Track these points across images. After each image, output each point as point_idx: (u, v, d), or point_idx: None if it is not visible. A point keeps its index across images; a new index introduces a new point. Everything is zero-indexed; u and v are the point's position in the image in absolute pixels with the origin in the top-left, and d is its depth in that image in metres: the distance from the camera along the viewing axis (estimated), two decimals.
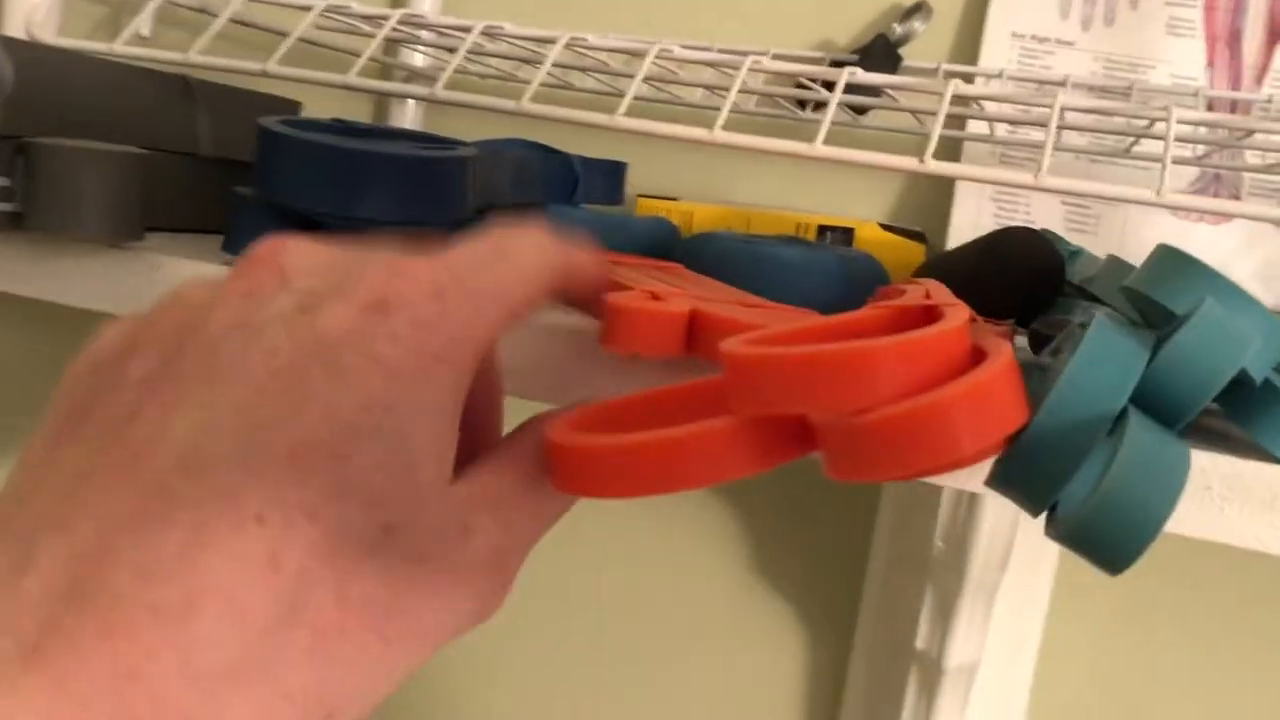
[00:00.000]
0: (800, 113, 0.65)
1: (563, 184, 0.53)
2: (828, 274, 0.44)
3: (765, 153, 0.41)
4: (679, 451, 0.26)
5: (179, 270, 0.41)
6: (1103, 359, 0.27)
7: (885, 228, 0.61)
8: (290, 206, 0.39)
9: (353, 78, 0.44)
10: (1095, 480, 0.26)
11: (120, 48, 0.47)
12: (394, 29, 0.54)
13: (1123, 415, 0.27)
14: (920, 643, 0.62)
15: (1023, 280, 0.45)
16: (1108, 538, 0.26)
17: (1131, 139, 0.60)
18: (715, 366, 0.29)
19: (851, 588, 0.71)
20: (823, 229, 0.61)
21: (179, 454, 0.22)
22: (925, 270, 0.53)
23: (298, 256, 0.26)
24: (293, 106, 0.61)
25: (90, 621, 0.20)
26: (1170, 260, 0.33)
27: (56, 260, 0.41)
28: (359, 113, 0.74)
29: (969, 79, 0.65)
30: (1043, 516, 0.28)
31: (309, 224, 0.38)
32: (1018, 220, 0.65)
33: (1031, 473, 0.27)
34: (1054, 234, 0.52)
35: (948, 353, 0.26)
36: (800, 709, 0.73)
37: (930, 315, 0.32)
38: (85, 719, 0.20)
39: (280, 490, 0.22)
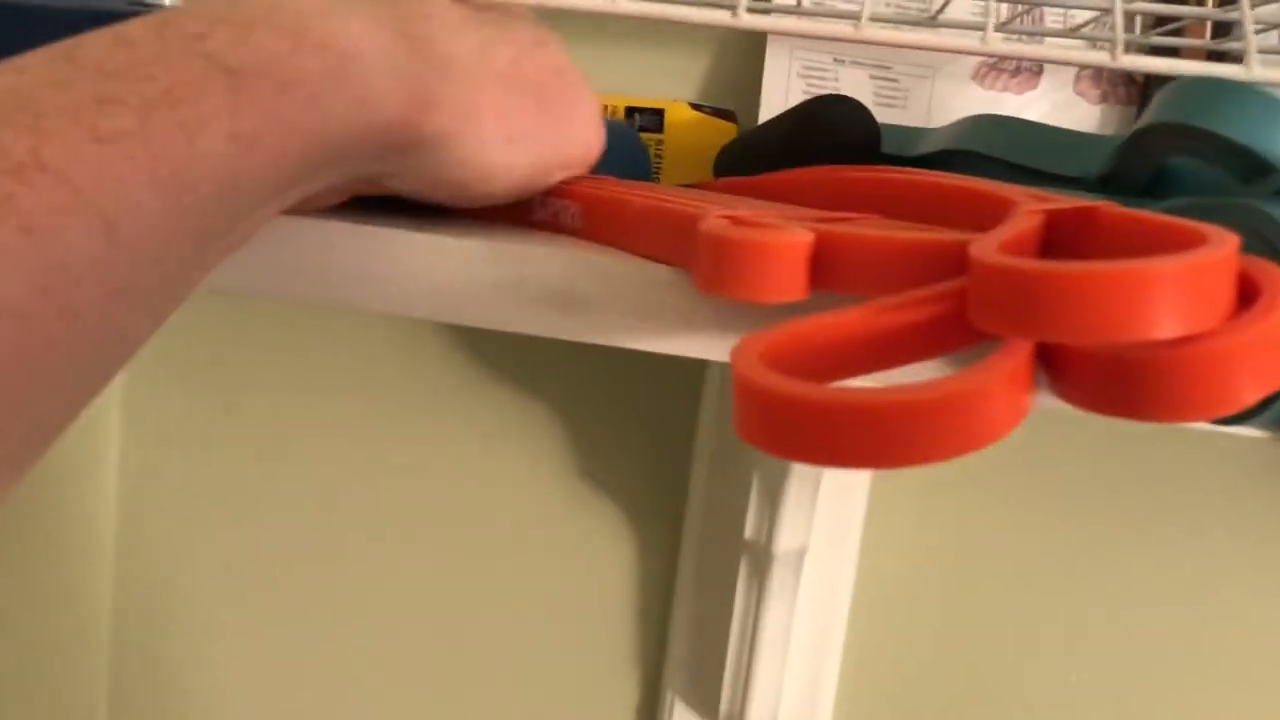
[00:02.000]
0: None
1: None
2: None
3: (566, 11, 0.38)
4: (979, 400, 0.22)
5: None
6: None
7: (695, 107, 0.58)
8: None
9: None
10: None
11: None
12: None
13: None
14: (749, 532, 0.61)
15: (840, 148, 0.43)
16: None
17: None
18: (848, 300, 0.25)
19: (678, 483, 0.69)
20: (630, 110, 0.58)
21: None
22: (737, 146, 0.51)
23: None
24: None
25: None
26: (1236, 94, 0.30)
27: None
28: None
29: None
30: None
31: None
32: (827, 88, 0.63)
33: None
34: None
35: (1227, 280, 0.23)
36: (632, 606, 0.72)
37: (1083, 216, 0.28)
38: None
39: None
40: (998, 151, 0.37)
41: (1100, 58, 0.39)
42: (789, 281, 0.27)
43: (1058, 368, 0.25)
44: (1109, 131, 0.64)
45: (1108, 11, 0.43)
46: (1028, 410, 0.24)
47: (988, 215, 0.29)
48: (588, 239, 0.34)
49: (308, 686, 0.76)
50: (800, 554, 0.62)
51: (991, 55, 0.37)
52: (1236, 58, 0.36)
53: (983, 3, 0.56)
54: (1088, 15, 0.54)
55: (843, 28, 0.37)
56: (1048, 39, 0.63)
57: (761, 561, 0.62)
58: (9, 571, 0.70)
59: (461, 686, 0.75)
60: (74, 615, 0.76)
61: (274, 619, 0.76)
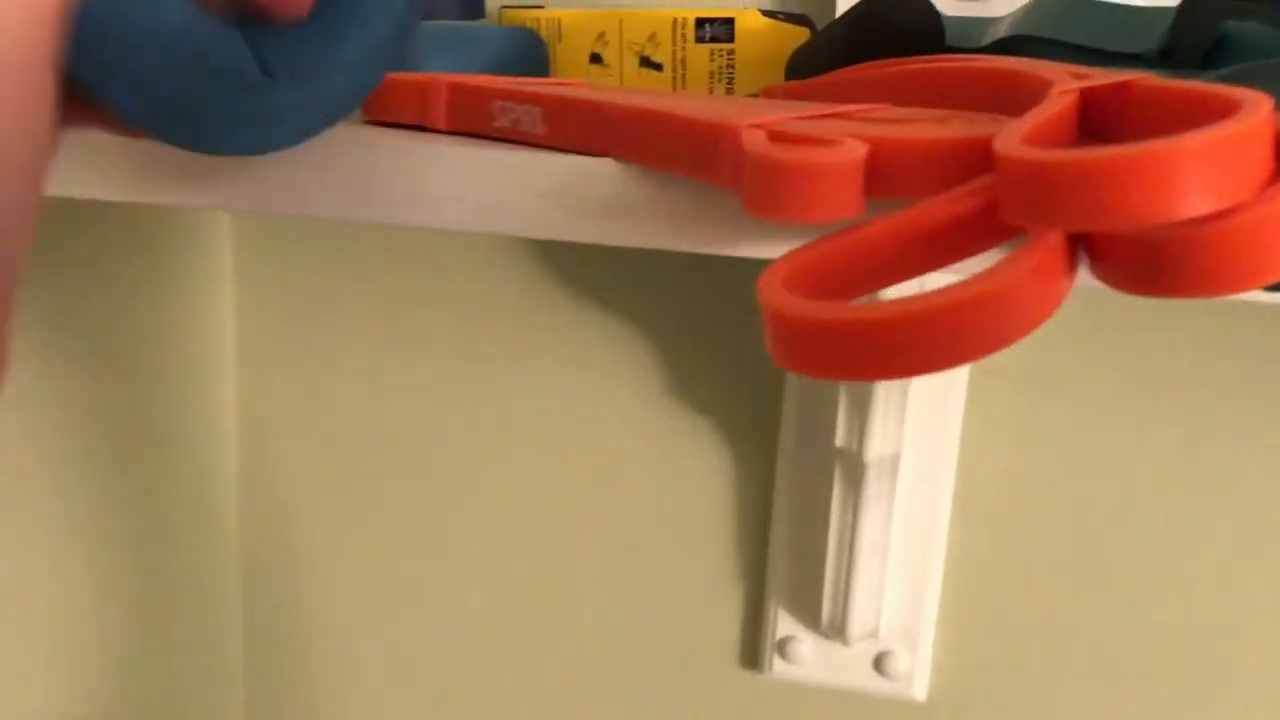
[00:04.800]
0: None
1: None
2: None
3: None
4: (1004, 299, 0.22)
5: None
6: None
7: (767, 14, 0.57)
8: None
9: None
10: None
11: None
12: None
13: None
14: (840, 440, 0.61)
15: (902, 43, 0.42)
16: None
17: None
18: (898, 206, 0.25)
19: (772, 396, 0.69)
20: (701, 21, 0.57)
21: None
22: (804, 51, 0.50)
23: None
24: None
25: None
26: None
27: None
28: None
29: None
30: None
31: None
32: None
33: None
34: None
35: (1263, 148, 0.22)
36: (733, 520, 0.72)
37: (1119, 91, 0.28)
38: None
39: None
40: (1061, 34, 0.36)
41: None
42: (846, 199, 0.26)
43: (1095, 251, 0.24)
44: None
45: None
46: (1063, 297, 0.24)
47: (1030, 97, 0.28)
48: (552, 145, 0.34)
49: (423, 605, 0.79)
50: (894, 460, 0.61)
51: None
52: None
53: None
54: None
55: None
56: None
57: (854, 469, 0.62)
58: (141, 499, 0.74)
59: (571, 604, 0.77)
60: (205, 538, 0.80)
61: (386, 540, 0.79)
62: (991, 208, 0.24)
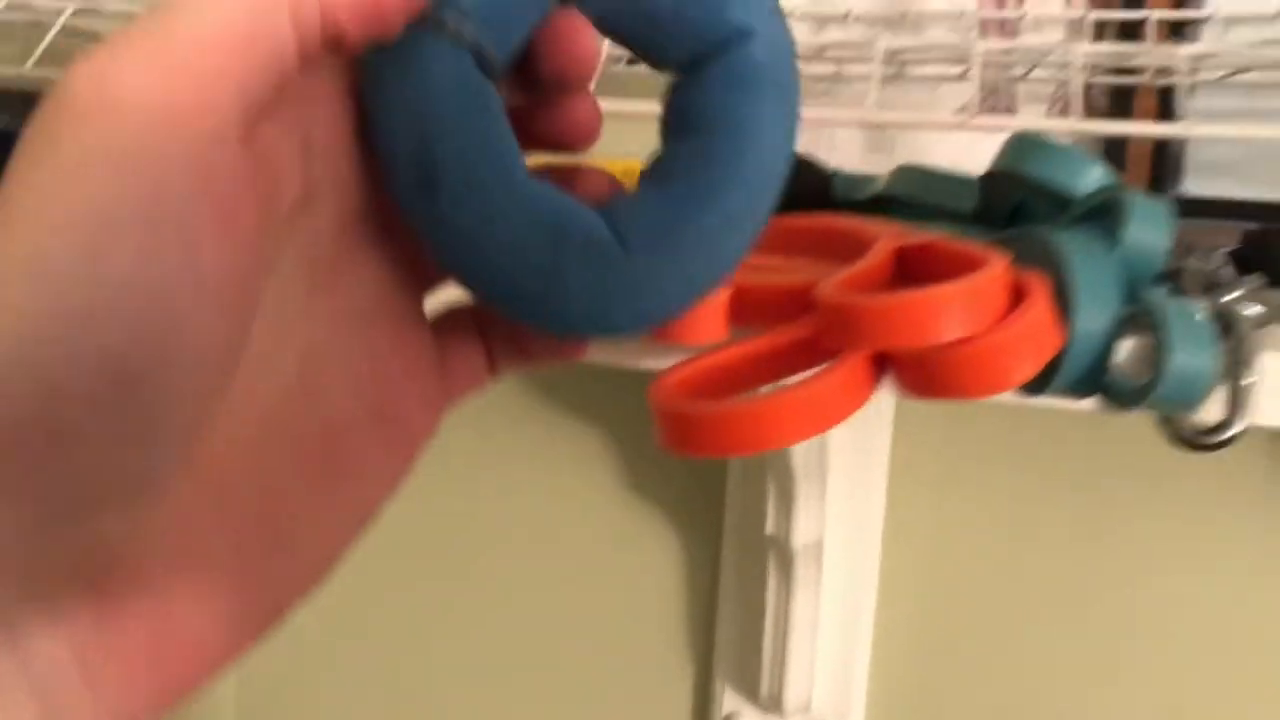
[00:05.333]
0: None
1: None
2: None
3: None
4: (817, 400, 0.31)
5: None
6: (1093, 274, 0.34)
7: None
8: None
9: None
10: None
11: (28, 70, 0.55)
12: None
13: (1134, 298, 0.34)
14: (770, 529, 0.69)
15: (800, 200, 0.53)
16: (1189, 383, 0.33)
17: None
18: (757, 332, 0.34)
19: (718, 492, 0.78)
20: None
21: None
22: None
23: None
24: None
25: None
26: (1037, 146, 0.39)
27: None
28: None
29: None
30: None
31: None
32: (822, 147, 0.73)
33: (1085, 373, 0.34)
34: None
35: (1002, 291, 0.32)
36: (685, 605, 0.81)
37: (924, 247, 0.38)
38: None
39: None
40: (912, 195, 0.46)
41: (1063, 124, 0.48)
42: (714, 327, 0.37)
43: (891, 367, 0.34)
44: None
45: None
46: (867, 398, 0.33)
47: (861, 248, 0.38)
48: None
49: (386, 687, 0.87)
50: (818, 547, 0.70)
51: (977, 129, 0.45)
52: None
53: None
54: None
55: (859, 112, 0.47)
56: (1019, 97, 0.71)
57: (784, 555, 0.71)
58: None
59: (533, 679, 0.84)
60: None
61: (349, 621, 0.87)
62: (816, 335, 0.34)
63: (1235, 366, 0.35)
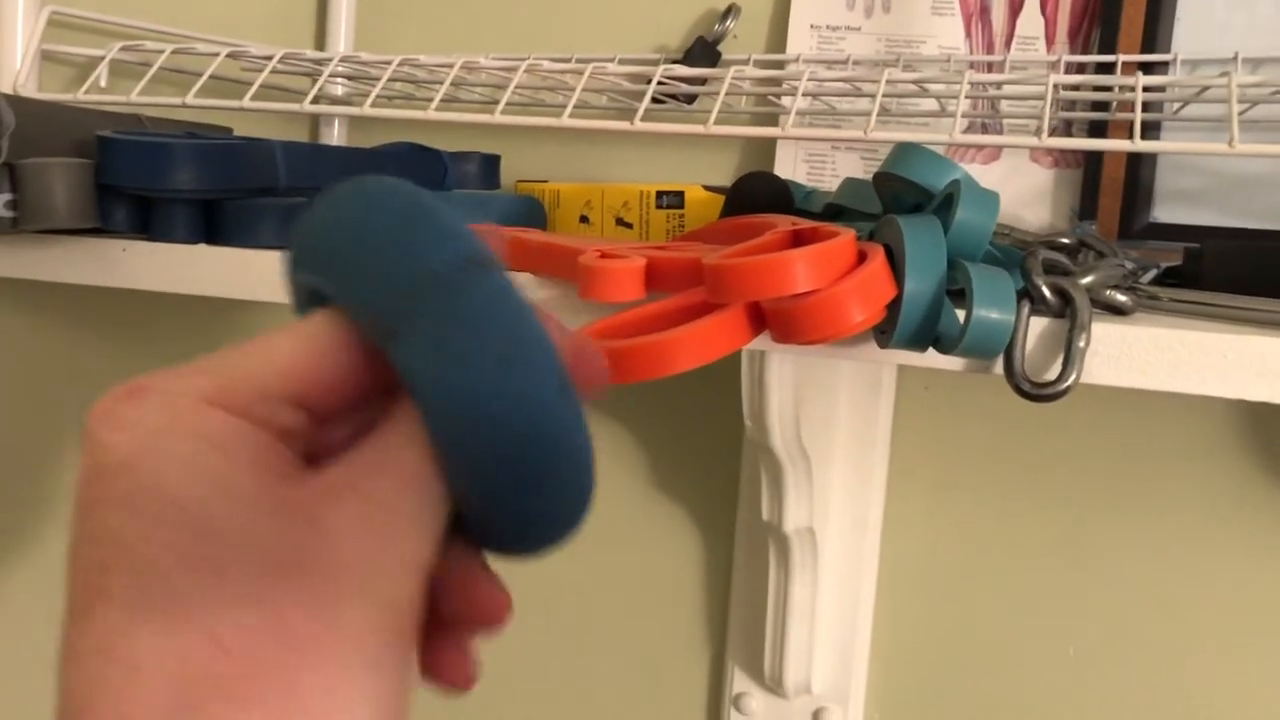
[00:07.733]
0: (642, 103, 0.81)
1: (433, 172, 0.68)
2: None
3: (601, 132, 0.57)
4: (699, 337, 0.40)
5: (140, 248, 0.57)
6: (921, 245, 0.42)
7: (708, 188, 0.76)
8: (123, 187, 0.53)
9: (248, 102, 0.60)
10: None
11: (81, 95, 0.64)
12: (314, 64, 0.70)
13: (952, 267, 0.41)
14: (765, 514, 0.77)
15: (762, 205, 0.61)
16: (989, 333, 0.40)
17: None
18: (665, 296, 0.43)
19: (732, 480, 0.86)
20: (660, 193, 0.77)
21: None
22: (722, 209, 0.69)
23: None
24: (225, 130, 0.77)
25: None
26: (910, 150, 0.47)
27: (49, 248, 0.57)
28: (299, 136, 0.90)
29: (779, 65, 0.80)
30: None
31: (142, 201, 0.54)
32: (826, 174, 0.81)
33: (920, 326, 0.41)
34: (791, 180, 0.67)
35: (845, 255, 0.40)
36: (700, 591, 0.88)
37: (812, 230, 0.46)
38: None
39: None
40: (848, 202, 0.54)
41: (1030, 140, 0.55)
42: (631, 289, 0.45)
43: (765, 319, 0.42)
44: (1061, 190, 0.78)
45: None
46: (745, 341, 0.41)
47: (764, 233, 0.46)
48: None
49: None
50: (810, 533, 0.77)
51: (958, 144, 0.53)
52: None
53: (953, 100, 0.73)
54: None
55: (855, 132, 0.55)
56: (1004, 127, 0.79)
57: (781, 540, 0.78)
58: None
59: (557, 663, 0.92)
60: None
61: None
62: (707, 295, 0.42)
63: (1072, 332, 0.42)
